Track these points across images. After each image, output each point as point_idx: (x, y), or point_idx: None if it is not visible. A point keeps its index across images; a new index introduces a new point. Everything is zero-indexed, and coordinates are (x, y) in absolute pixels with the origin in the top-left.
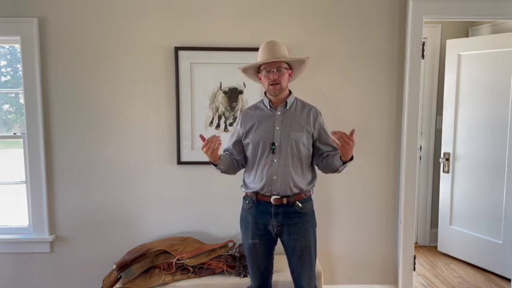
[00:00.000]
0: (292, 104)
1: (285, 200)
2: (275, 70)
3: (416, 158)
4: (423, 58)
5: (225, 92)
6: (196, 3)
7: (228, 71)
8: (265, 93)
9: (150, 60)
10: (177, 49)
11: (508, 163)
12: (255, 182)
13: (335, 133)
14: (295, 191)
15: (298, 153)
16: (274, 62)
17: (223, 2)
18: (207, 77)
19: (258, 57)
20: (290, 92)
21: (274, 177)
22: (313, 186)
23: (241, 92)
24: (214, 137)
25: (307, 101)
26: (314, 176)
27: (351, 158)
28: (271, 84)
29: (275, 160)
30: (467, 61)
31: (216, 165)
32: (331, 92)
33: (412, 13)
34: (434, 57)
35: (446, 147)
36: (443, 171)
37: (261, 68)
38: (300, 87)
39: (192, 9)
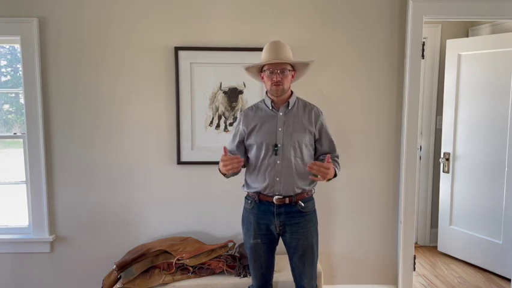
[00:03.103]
0: (294, 104)
1: (287, 200)
2: (279, 71)
3: (416, 158)
4: (423, 58)
5: (225, 92)
6: (196, 3)
7: (228, 71)
8: (266, 93)
9: (150, 60)
10: (177, 49)
11: (508, 163)
12: (258, 183)
13: (311, 168)
14: (298, 191)
15: (301, 154)
16: (279, 63)
17: (223, 2)
18: (207, 77)
19: (262, 57)
20: (292, 92)
21: (277, 179)
22: (315, 185)
23: (241, 92)
24: (236, 158)
25: (308, 101)
26: None
27: (335, 175)
28: (274, 85)
29: (278, 161)
30: (467, 61)
31: (224, 175)
32: (331, 92)
33: (412, 13)
34: (434, 57)
35: (446, 147)
36: (443, 171)
37: (265, 68)
38: (300, 87)
39: (191, 9)
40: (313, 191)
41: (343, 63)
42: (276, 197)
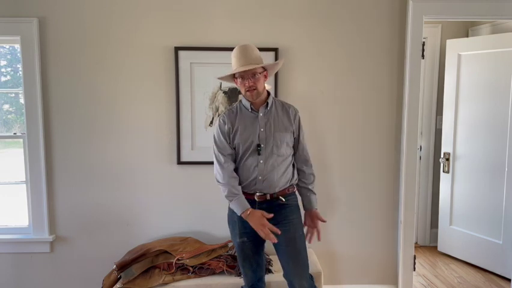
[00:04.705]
0: (272, 104)
1: (268, 196)
2: (250, 77)
3: (416, 158)
4: (423, 58)
5: (225, 92)
6: (196, 3)
7: (228, 71)
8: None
9: (150, 60)
10: (177, 49)
11: (508, 163)
12: (240, 182)
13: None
14: (279, 189)
15: (283, 152)
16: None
17: (223, 2)
18: (207, 77)
19: (232, 63)
20: (268, 93)
21: (260, 178)
22: (296, 181)
23: (241, 92)
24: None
25: (304, 101)
26: (296, 173)
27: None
28: (248, 91)
29: (261, 161)
30: (467, 61)
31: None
32: (331, 92)
33: (412, 13)
34: (434, 57)
35: (446, 147)
36: (443, 171)
37: (236, 75)
38: (299, 87)
39: (191, 9)
40: (294, 188)
41: (342, 63)
42: (258, 193)
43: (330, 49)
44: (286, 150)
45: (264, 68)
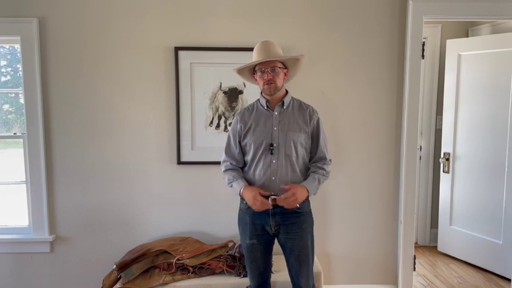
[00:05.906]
0: (289, 103)
1: None
2: (269, 70)
3: (416, 158)
4: (423, 58)
5: (225, 92)
6: (196, 3)
7: (228, 71)
8: (261, 93)
9: (150, 60)
10: (177, 49)
11: (508, 163)
12: (253, 182)
13: (279, 201)
14: None
15: (296, 153)
16: (269, 61)
17: (224, 2)
18: (207, 77)
19: (253, 58)
20: (287, 92)
21: (273, 178)
22: None
23: (241, 92)
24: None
25: (304, 101)
26: None
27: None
28: (266, 84)
29: (274, 161)
30: (467, 61)
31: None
32: (331, 92)
33: (412, 13)
34: (434, 57)
35: (446, 147)
36: (443, 171)
37: (256, 68)
38: (300, 87)
39: (191, 9)
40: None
41: (342, 64)
42: (272, 197)
43: (330, 49)
44: (301, 151)
45: (285, 67)
